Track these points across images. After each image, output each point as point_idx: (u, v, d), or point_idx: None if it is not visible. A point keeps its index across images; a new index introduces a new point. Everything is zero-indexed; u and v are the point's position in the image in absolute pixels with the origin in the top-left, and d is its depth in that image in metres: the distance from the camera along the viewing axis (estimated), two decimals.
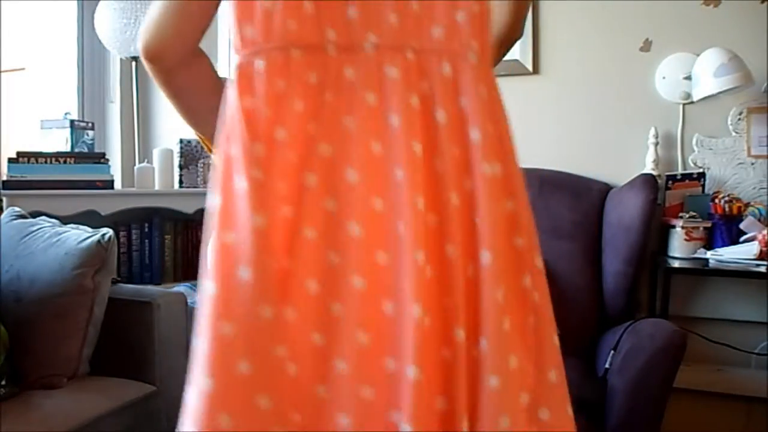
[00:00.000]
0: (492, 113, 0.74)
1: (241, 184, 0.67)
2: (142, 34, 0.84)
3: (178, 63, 0.85)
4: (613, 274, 1.98)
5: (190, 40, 0.84)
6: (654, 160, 2.18)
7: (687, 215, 2.05)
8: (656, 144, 2.19)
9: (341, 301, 0.66)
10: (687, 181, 2.16)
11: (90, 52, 2.80)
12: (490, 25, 0.75)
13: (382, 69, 0.70)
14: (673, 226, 2.07)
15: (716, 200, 2.07)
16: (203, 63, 0.89)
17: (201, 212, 2.25)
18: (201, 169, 2.59)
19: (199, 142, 2.54)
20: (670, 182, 2.16)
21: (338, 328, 0.66)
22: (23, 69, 2.73)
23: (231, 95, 0.73)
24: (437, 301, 0.68)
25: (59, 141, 2.43)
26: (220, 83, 0.87)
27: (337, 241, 0.67)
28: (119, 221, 2.34)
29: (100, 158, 2.32)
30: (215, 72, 0.91)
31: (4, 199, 2.08)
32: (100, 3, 2.55)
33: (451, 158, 0.70)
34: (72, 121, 2.45)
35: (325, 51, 0.70)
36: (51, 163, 2.19)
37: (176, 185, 2.59)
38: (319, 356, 0.66)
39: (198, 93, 0.88)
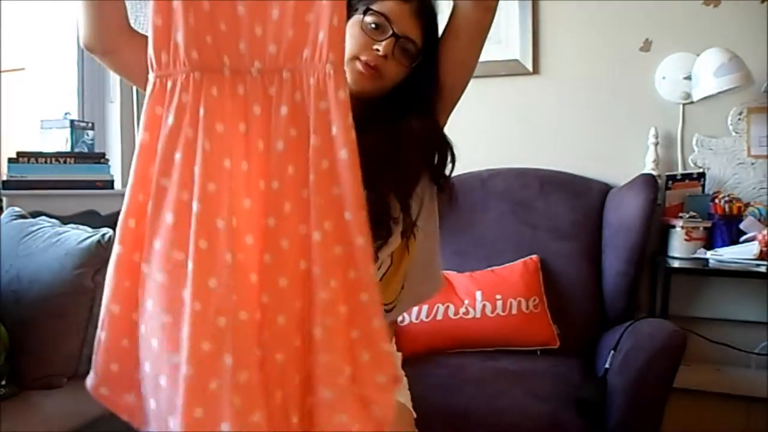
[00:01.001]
0: (346, 113, 0.89)
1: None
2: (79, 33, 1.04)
3: (112, 49, 1.05)
4: (613, 274, 1.98)
5: (112, 32, 1.03)
6: (654, 160, 2.18)
7: (687, 215, 2.05)
8: (656, 144, 2.19)
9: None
10: (687, 181, 2.16)
11: None
12: (344, 35, 0.91)
13: (265, 87, 0.90)
14: (673, 226, 2.07)
15: (716, 200, 2.07)
16: (137, 43, 1.02)
17: None
18: None
19: None
20: (670, 182, 2.16)
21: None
22: (23, 69, 2.73)
23: (145, 103, 0.93)
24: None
25: (59, 141, 2.42)
26: None
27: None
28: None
29: (100, 158, 2.32)
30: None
31: (4, 199, 2.08)
32: None
33: (312, 145, 0.89)
34: (72, 121, 2.44)
35: (221, 73, 0.91)
36: (51, 163, 2.19)
37: None
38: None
39: (141, 69, 0.99)
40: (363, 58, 1.08)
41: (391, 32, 1.07)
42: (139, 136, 0.92)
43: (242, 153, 0.89)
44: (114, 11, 1.03)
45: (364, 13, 1.09)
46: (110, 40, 1.03)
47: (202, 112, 0.89)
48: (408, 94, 1.13)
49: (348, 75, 1.06)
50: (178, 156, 0.89)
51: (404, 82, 1.12)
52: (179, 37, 0.90)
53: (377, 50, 1.07)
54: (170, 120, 0.90)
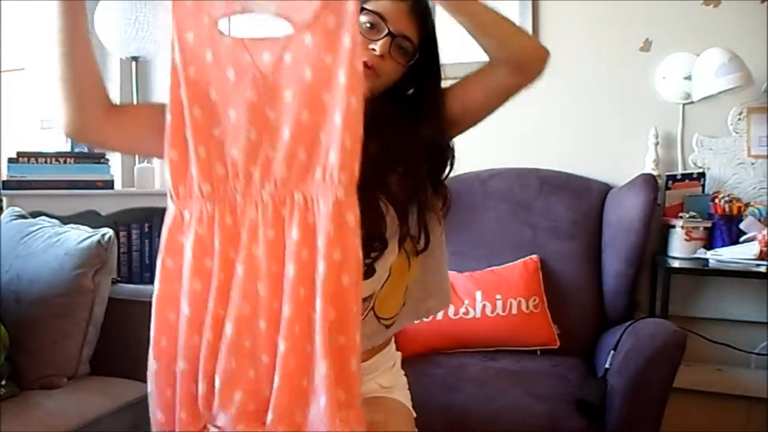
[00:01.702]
0: (353, 237, 0.90)
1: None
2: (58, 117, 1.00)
3: (97, 136, 1.03)
4: (613, 274, 1.98)
5: (95, 117, 0.99)
6: (654, 160, 2.18)
7: (687, 215, 2.05)
8: (656, 144, 2.19)
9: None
10: (687, 181, 2.16)
11: None
12: (358, 156, 0.90)
13: (277, 210, 0.92)
14: (673, 226, 2.07)
15: (716, 200, 2.07)
16: (123, 122, 1.03)
17: None
18: None
19: None
20: (670, 182, 2.16)
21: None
22: (23, 69, 2.73)
23: (166, 229, 0.95)
24: None
25: (59, 141, 2.43)
26: (152, 124, 0.98)
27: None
28: (119, 221, 2.34)
29: (100, 158, 2.32)
30: (144, 117, 1.02)
31: (4, 199, 2.08)
32: (100, 3, 2.55)
33: (321, 271, 0.90)
34: None
35: (234, 200, 0.93)
36: (51, 163, 2.19)
37: None
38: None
39: (131, 144, 1.04)
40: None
41: (386, 31, 1.06)
42: (160, 258, 0.96)
43: (256, 277, 0.92)
44: (95, 93, 1.00)
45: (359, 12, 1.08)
46: (94, 126, 1.00)
47: (216, 243, 0.93)
48: (408, 94, 1.12)
49: None
50: (198, 286, 0.94)
51: (405, 82, 1.12)
52: (193, 169, 0.93)
53: (374, 50, 1.06)
54: (189, 253, 0.94)
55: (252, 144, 0.92)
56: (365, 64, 1.06)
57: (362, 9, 1.07)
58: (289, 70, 0.91)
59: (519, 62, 1.07)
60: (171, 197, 0.95)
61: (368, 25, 1.07)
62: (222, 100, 0.93)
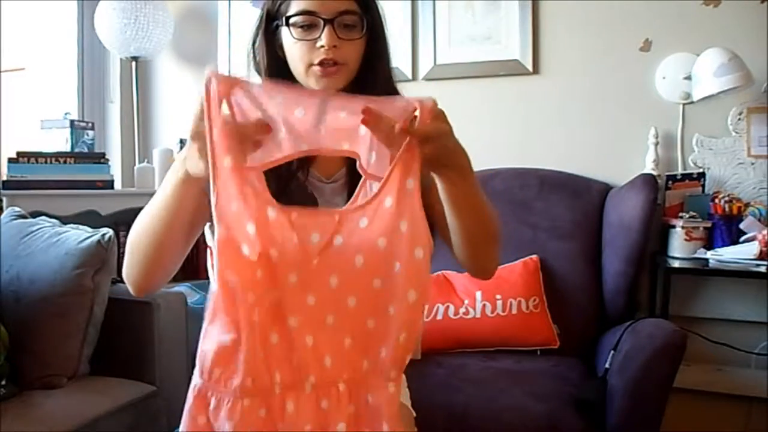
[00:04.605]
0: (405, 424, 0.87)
1: None
2: (125, 272, 1.00)
3: (163, 284, 1.03)
4: (613, 274, 1.98)
5: (168, 274, 1.00)
6: (654, 160, 2.18)
7: (687, 215, 2.05)
8: (656, 144, 2.19)
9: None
10: (687, 181, 2.16)
11: (90, 52, 2.80)
12: (411, 350, 0.84)
13: (318, 402, 0.83)
14: (673, 226, 2.07)
15: (716, 200, 2.07)
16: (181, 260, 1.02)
17: None
18: None
19: None
20: (670, 182, 2.16)
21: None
22: (23, 69, 2.73)
23: (187, 409, 0.82)
24: None
25: (59, 141, 2.43)
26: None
27: None
28: (119, 221, 2.34)
29: (100, 158, 2.33)
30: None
31: (4, 199, 2.08)
32: (100, 3, 2.55)
33: None
34: (72, 121, 2.45)
35: (272, 391, 0.82)
36: (51, 163, 2.19)
37: None
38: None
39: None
40: (316, 61, 1.02)
41: (321, 22, 1.01)
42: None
43: None
44: (172, 268, 1.01)
45: (286, 25, 1.03)
46: (163, 283, 1.03)
47: None
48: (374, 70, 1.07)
49: (314, 84, 1.03)
50: None
51: (367, 62, 1.07)
52: (240, 358, 0.81)
53: (323, 47, 1.01)
54: None
55: (292, 331, 0.82)
56: (323, 64, 1.02)
57: (287, 20, 1.03)
58: (339, 254, 0.82)
59: (476, 264, 1.10)
60: (200, 372, 0.82)
61: (301, 29, 1.02)
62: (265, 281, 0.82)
